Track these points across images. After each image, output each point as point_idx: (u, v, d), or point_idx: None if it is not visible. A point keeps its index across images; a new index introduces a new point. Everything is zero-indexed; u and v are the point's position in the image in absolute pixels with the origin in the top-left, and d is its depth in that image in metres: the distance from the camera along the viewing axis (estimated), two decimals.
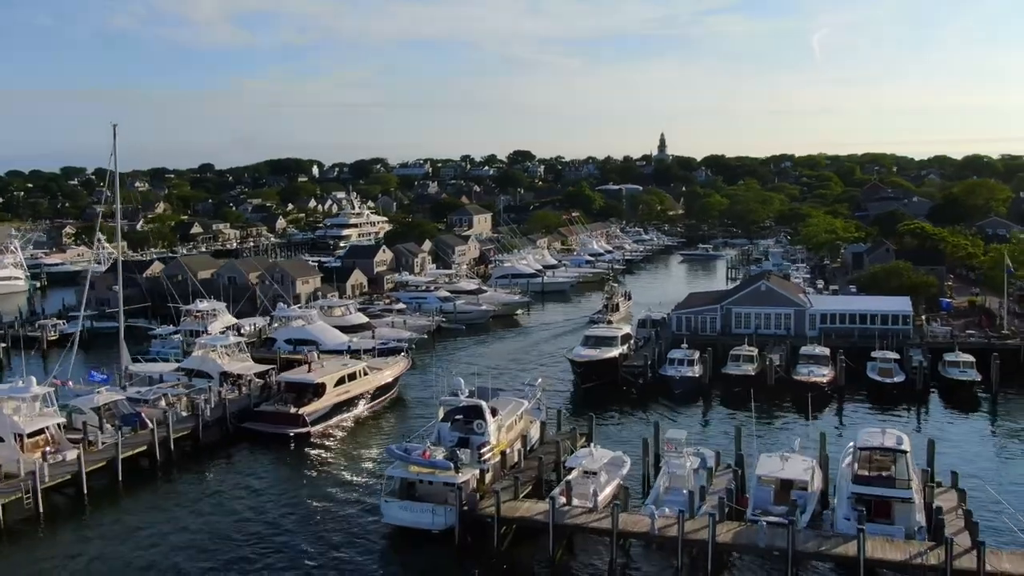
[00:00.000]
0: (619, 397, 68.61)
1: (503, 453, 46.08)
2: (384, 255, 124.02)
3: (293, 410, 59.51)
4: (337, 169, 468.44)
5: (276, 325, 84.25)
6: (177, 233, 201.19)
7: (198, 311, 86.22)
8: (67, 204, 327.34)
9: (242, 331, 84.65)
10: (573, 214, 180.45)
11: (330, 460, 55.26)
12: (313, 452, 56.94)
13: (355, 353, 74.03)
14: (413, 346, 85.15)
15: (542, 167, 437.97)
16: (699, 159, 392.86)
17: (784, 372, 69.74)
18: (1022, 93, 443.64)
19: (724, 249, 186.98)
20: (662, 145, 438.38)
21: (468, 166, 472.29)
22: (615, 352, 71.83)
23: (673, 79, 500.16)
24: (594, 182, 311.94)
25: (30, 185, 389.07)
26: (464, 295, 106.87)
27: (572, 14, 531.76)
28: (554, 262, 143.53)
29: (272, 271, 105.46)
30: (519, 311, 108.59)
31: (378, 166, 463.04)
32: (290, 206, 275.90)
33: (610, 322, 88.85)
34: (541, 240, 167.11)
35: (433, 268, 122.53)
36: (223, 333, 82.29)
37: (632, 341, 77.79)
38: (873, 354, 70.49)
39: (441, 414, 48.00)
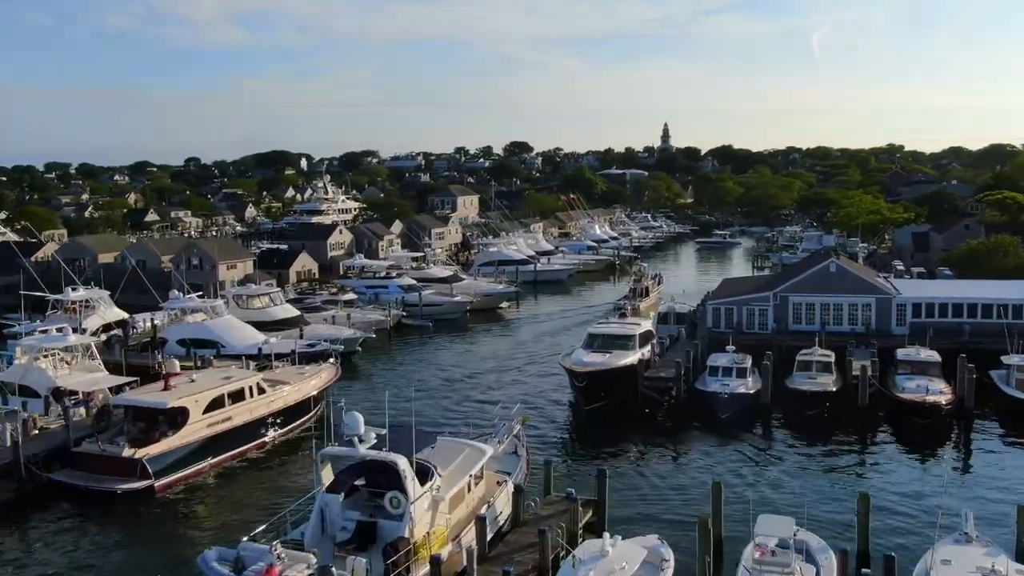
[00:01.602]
0: (640, 425, 46.77)
1: (439, 554, 24.30)
2: (341, 236, 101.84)
3: (127, 452, 37.63)
4: (327, 162, 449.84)
5: (167, 320, 62.36)
6: (128, 221, 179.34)
7: (72, 302, 64.61)
8: (35, 196, 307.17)
9: (135, 328, 63.11)
10: (572, 197, 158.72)
11: (178, 545, 33.25)
12: (151, 528, 35.06)
13: (266, 358, 52.33)
14: (358, 348, 63.51)
15: (540, 159, 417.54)
16: (704, 151, 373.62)
17: (880, 386, 47.84)
18: (1021, 92, 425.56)
19: (741, 237, 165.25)
20: (665, 135, 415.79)
21: (463, 158, 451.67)
22: (632, 358, 49.92)
23: (672, 79, 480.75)
24: (595, 170, 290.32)
25: (3, 179, 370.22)
26: (434, 284, 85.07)
27: (571, 14, 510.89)
28: (550, 248, 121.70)
29: (188, 252, 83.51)
30: (504, 304, 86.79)
31: (369, 159, 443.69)
32: (265, 195, 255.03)
33: (635, 311, 67.05)
34: (535, 224, 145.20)
35: (400, 252, 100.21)
36: (97, 332, 60.77)
37: (654, 342, 55.94)
38: (1004, 359, 48.70)
39: (326, 478, 26.25)
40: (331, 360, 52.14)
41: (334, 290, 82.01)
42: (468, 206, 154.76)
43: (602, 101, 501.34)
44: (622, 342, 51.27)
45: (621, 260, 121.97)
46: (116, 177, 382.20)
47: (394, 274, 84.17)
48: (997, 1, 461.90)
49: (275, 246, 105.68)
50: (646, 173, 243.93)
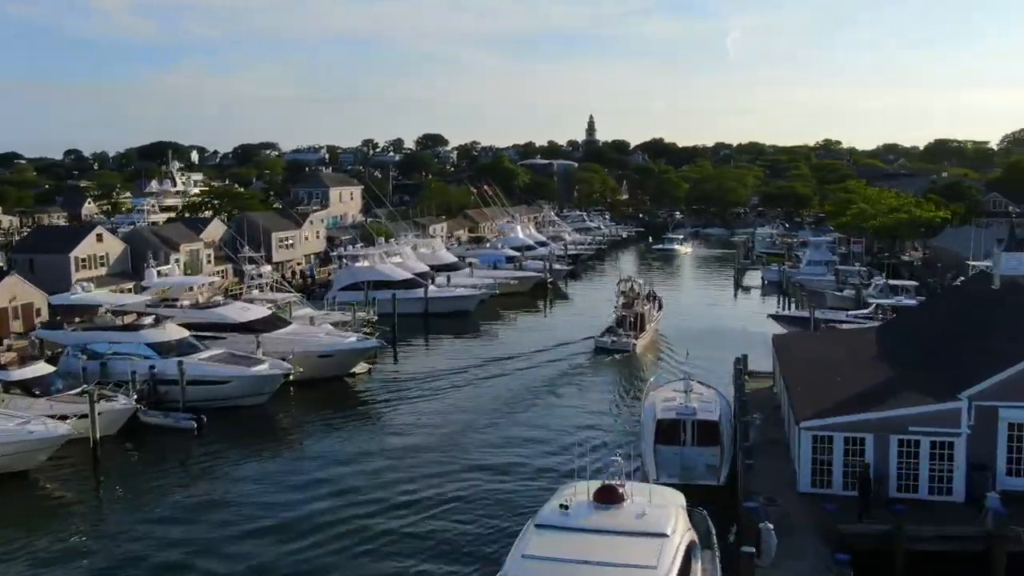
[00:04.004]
0: None
1: None
2: (101, 246, 61.50)
3: None
4: (220, 155, 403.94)
5: None
6: None
7: None
8: None
9: None
10: (487, 189, 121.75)
11: None
12: None
13: None
14: None
15: (455, 152, 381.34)
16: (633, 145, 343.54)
17: None
18: (931, 95, 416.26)
19: (695, 241, 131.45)
20: (591, 129, 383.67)
21: (371, 151, 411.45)
22: None
23: (595, 78, 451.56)
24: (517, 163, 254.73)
25: None
26: (230, 333, 46.78)
27: (494, 12, 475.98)
28: (452, 259, 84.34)
29: None
30: (357, 369, 49.17)
31: (267, 151, 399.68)
32: (117, 189, 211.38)
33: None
34: (436, 226, 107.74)
35: (176, 274, 58.14)
36: None
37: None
38: None
39: None
40: None
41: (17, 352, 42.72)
42: (348, 201, 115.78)
43: (524, 97, 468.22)
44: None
45: (554, 276, 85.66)
46: None
47: (148, 320, 44.98)
48: (906, 9, 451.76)
49: None
50: (575, 164, 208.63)
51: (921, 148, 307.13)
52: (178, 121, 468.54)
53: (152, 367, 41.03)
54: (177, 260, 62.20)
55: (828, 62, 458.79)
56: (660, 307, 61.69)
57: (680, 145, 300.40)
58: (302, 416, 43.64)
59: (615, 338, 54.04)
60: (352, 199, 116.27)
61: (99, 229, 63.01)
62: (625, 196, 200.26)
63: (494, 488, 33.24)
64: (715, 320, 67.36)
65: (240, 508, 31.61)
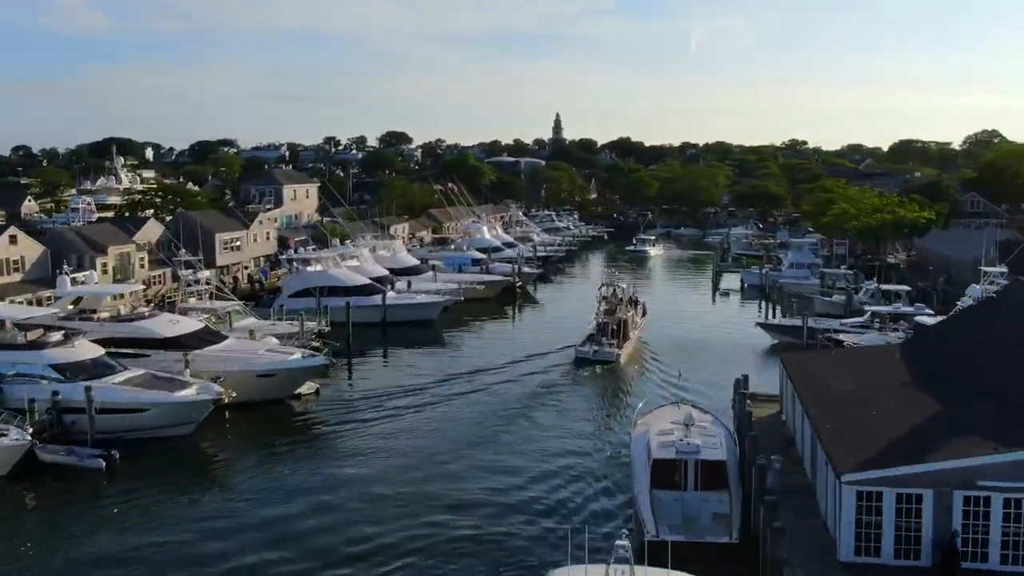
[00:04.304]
0: None
1: None
2: (8, 249, 54.57)
3: None
4: (176, 152, 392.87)
5: None
6: None
7: None
8: None
9: None
10: (452, 187, 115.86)
11: None
12: None
13: None
14: None
15: (420, 151, 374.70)
16: (600, 144, 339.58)
17: None
18: (892, 96, 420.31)
19: (664, 243, 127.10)
20: (557, 127, 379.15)
21: (332, 149, 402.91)
22: None
23: (558, 77, 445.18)
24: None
25: None
26: (159, 350, 40.77)
27: (454, 11, 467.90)
28: (414, 262, 78.63)
29: None
30: (303, 389, 43.34)
31: (225, 148, 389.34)
32: (61, 185, 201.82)
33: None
34: (398, 226, 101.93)
35: (87, 281, 50.87)
36: None
37: None
38: None
39: None
40: None
41: None
42: (304, 199, 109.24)
43: (488, 97, 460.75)
44: None
45: (524, 280, 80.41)
46: None
47: (56, 336, 38.53)
48: (868, 12, 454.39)
49: None
50: (543, 162, 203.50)
51: (885, 149, 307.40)
52: (139, 119, 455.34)
53: (55, 392, 34.91)
54: (104, 265, 55.70)
55: (789, 64, 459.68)
56: (644, 313, 56.87)
57: (647, 144, 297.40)
58: (236, 447, 37.87)
59: (597, 348, 49.05)
60: (308, 197, 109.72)
61: (12, 230, 55.90)
62: (594, 195, 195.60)
63: (461, 535, 28.00)
64: (698, 328, 62.64)
65: (154, 565, 25.94)
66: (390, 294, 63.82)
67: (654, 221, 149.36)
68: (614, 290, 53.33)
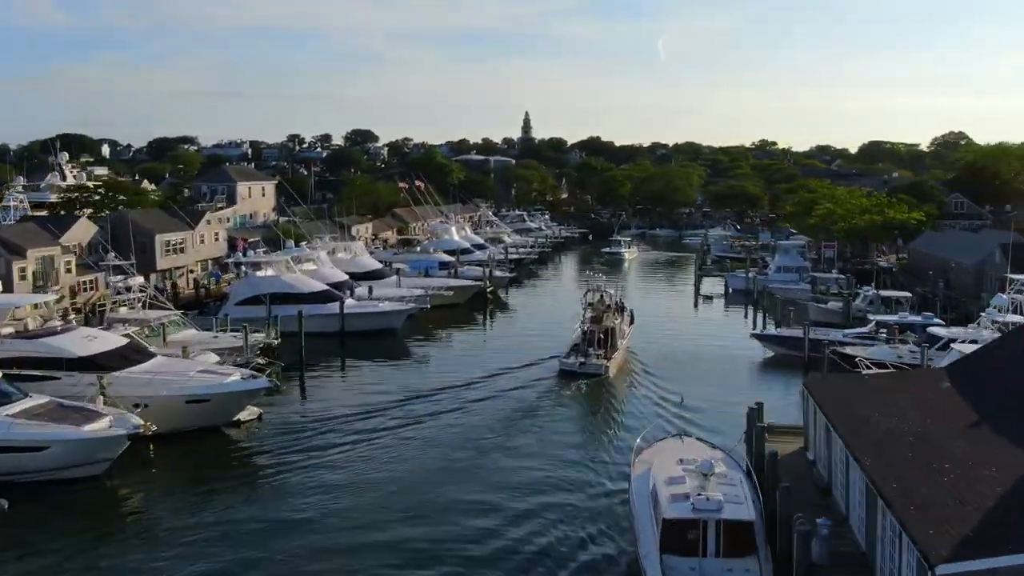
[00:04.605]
0: None
1: None
2: None
3: None
4: (133, 149, 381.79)
5: None
6: None
7: None
8: None
9: None
10: (418, 185, 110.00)
11: None
12: None
13: None
14: None
15: (386, 149, 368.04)
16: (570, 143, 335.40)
17: None
18: (854, 96, 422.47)
19: (640, 244, 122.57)
20: (527, 126, 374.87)
21: (296, 147, 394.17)
22: None
23: (526, 77, 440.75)
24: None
25: None
26: (64, 371, 34.73)
27: (421, 7, 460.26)
28: (376, 265, 72.86)
29: None
30: (243, 416, 37.49)
31: (185, 146, 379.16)
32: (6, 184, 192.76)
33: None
34: (360, 226, 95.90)
35: None
36: None
37: None
38: None
39: None
40: None
41: None
42: (259, 198, 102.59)
43: (457, 96, 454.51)
44: None
45: (495, 284, 75.02)
46: None
47: None
48: (832, 14, 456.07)
49: None
50: (513, 161, 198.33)
51: (853, 150, 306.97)
52: (101, 116, 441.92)
53: None
54: (23, 269, 49.34)
55: (755, 66, 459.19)
56: (632, 320, 51.88)
57: (617, 144, 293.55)
58: (159, 488, 31.96)
59: (583, 359, 43.95)
60: (264, 196, 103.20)
61: None
62: (565, 195, 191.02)
63: None
64: (685, 336, 57.78)
65: None
66: (349, 301, 57.94)
67: (628, 222, 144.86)
68: (601, 295, 48.29)
